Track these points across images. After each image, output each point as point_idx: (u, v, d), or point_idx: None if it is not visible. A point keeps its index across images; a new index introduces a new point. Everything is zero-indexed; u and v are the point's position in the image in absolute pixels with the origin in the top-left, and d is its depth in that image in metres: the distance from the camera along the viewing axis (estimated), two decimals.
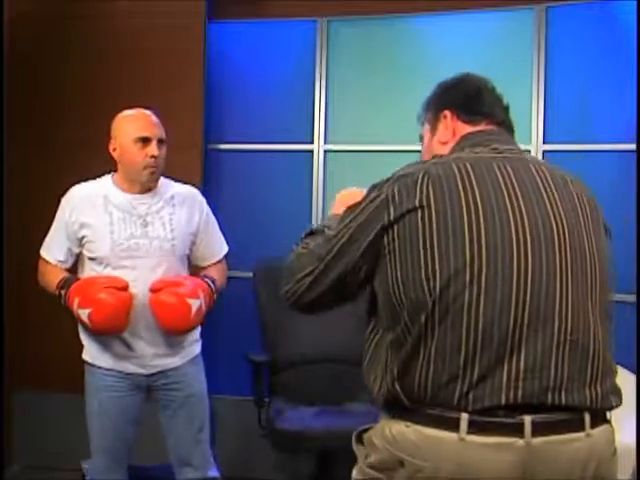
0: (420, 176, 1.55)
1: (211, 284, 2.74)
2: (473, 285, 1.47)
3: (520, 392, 1.46)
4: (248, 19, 4.02)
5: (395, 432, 1.54)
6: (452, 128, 1.74)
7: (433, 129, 1.78)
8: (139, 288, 2.62)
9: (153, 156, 2.63)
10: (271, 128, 4.00)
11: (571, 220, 1.56)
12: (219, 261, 2.89)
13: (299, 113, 3.98)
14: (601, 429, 1.53)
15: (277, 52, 4.03)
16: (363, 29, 3.94)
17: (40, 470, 3.88)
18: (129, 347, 2.68)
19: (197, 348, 2.84)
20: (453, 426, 1.46)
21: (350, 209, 1.62)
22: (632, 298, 3.21)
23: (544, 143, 3.66)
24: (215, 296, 2.76)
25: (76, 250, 2.71)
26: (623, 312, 2.45)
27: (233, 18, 4.01)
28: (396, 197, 1.54)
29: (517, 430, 1.45)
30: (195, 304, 2.63)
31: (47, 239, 2.75)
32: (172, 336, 2.70)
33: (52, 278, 2.69)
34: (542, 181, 1.59)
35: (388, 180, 1.59)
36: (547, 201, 1.57)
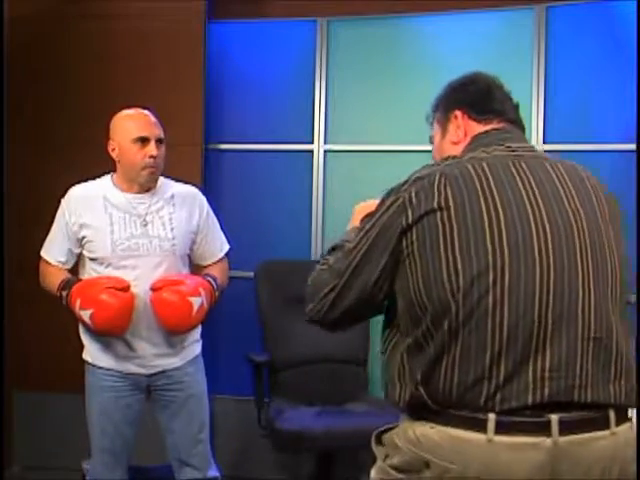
0: (437, 177, 1.54)
1: (213, 282, 2.74)
2: (497, 286, 1.47)
3: (547, 391, 1.46)
4: (248, 19, 4.02)
5: (419, 434, 1.53)
6: (463, 128, 1.72)
7: (443, 130, 1.76)
8: (140, 288, 2.62)
9: (152, 156, 2.63)
10: (271, 128, 4.00)
11: (589, 217, 1.56)
12: (220, 260, 2.89)
13: (299, 113, 3.98)
14: (625, 427, 1.54)
15: (277, 52, 4.03)
16: (363, 29, 3.94)
17: (40, 470, 3.88)
18: (130, 347, 2.67)
19: (197, 348, 2.84)
20: (480, 427, 1.46)
21: (367, 217, 1.61)
22: (632, 298, 3.21)
23: (544, 143, 3.66)
24: (217, 294, 2.76)
25: (76, 251, 2.71)
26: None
27: (233, 18, 4.01)
28: (414, 200, 1.53)
29: (544, 429, 1.46)
30: (197, 302, 2.63)
31: (47, 240, 2.75)
32: (173, 336, 2.70)
33: (53, 279, 2.69)
34: (559, 179, 1.59)
35: (404, 183, 1.58)
36: (565, 199, 1.56)
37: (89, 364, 2.74)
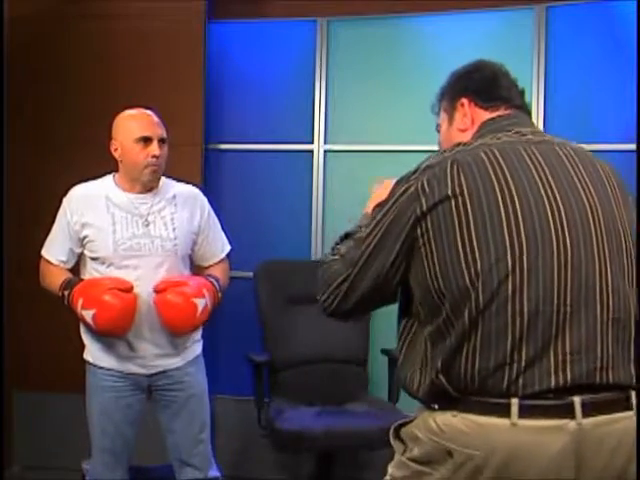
0: (449, 164, 1.54)
1: (215, 283, 2.74)
2: (515, 272, 1.48)
3: (569, 374, 1.47)
4: (248, 19, 4.02)
5: (441, 422, 1.53)
6: (470, 115, 1.72)
7: (450, 118, 1.76)
8: (142, 288, 2.62)
9: (154, 156, 2.63)
10: (271, 128, 4.00)
11: (603, 201, 1.57)
12: (221, 260, 2.89)
13: (299, 113, 3.98)
14: None
15: (277, 52, 4.03)
16: (363, 29, 3.94)
17: (40, 470, 3.88)
18: (132, 347, 2.67)
19: (198, 348, 2.84)
20: (504, 412, 1.46)
21: (379, 206, 1.61)
22: None
23: None
24: (220, 295, 2.76)
25: (78, 250, 2.71)
26: None
27: (233, 18, 4.01)
28: (426, 188, 1.53)
29: (568, 412, 1.46)
30: (201, 303, 2.63)
31: (48, 239, 2.75)
32: (175, 336, 2.70)
33: (54, 279, 2.69)
34: (570, 162, 1.60)
35: (415, 172, 1.58)
36: (577, 182, 1.57)
37: (90, 364, 2.74)
